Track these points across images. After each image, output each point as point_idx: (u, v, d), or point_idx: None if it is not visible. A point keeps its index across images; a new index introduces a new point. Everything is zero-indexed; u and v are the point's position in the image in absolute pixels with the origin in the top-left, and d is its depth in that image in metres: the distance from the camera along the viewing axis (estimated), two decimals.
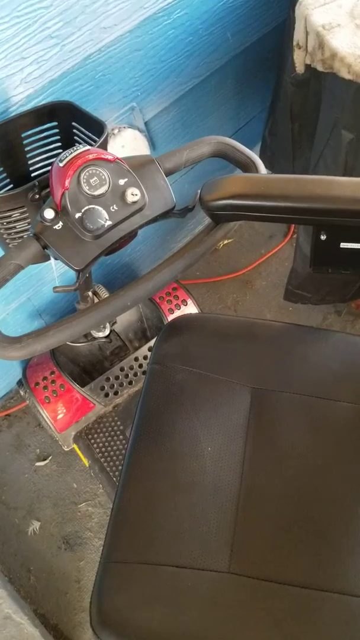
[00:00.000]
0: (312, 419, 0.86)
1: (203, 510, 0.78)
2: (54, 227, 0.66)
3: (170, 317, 1.45)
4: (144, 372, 1.40)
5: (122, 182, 0.67)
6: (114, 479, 1.30)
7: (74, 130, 0.91)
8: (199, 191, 0.69)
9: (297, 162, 1.39)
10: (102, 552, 0.78)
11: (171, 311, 1.46)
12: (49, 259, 0.72)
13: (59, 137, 0.94)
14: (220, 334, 0.96)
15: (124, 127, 1.16)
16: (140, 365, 1.41)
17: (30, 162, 0.94)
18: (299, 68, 1.12)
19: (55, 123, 0.91)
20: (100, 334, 1.32)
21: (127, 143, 1.17)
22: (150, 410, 0.88)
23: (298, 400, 0.88)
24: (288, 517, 0.78)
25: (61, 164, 0.65)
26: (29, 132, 0.89)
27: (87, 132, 0.89)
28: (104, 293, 1.21)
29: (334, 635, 0.68)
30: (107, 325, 1.31)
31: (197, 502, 0.79)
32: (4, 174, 0.92)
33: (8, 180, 0.93)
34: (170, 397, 0.89)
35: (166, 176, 0.72)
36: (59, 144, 0.94)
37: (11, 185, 0.94)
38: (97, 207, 0.65)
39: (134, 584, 0.73)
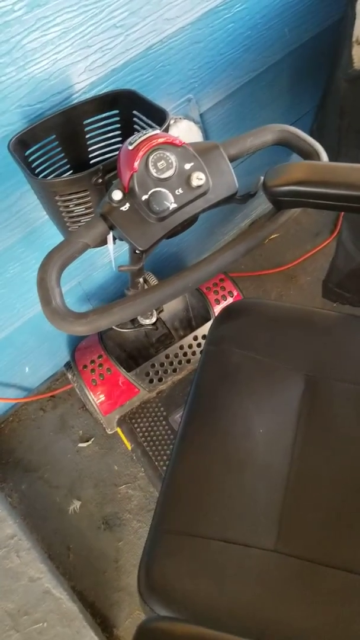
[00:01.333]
0: None
1: (253, 489, 0.80)
2: (121, 209, 0.69)
3: (217, 308, 1.47)
4: (188, 361, 1.42)
5: (187, 166, 0.69)
6: (156, 463, 1.32)
7: (134, 119, 0.94)
8: (262, 177, 0.70)
9: (342, 160, 1.38)
10: (152, 519, 0.80)
11: (217, 302, 1.48)
12: (106, 242, 0.75)
13: (119, 125, 0.96)
14: (276, 320, 0.97)
15: (180, 118, 1.18)
16: (185, 354, 1.43)
17: (90, 148, 0.96)
18: (358, 64, 1.12)
19: (116, 111, 0.93)
20: (147, 321, 1.34)
21: (182, 134, 1.19)
22: (205, 389, 0.90)
23: (353, 389, 0.88)
24: (336, 503, 0.79)
25: (131, 147, 0.68)
26: (91, 120, 0.92)
27: (147, 120, 0.91)
28: (153, 280, 1.23)
29: None
30: (154, 312, 1.33)
31: (247, 481, 0.81)
32: (65, 159, 0.95)
33: (68, 166, 0.96)
34: (225, 378, 0.90)
35: (230, 162, 0.74)
36: (119, 132, 0.97)
37: (71, 171, 0.97)
38: (163, 189, 0.67)
39: (183, 555, 0.76)
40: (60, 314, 0.65)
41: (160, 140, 0.67)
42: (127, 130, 0.96)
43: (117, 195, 0.68)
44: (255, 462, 0.82)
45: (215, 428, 0.86)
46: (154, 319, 1.35)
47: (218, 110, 1.28)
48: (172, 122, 1.16)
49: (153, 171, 0.67)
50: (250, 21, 1.15)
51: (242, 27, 1.14)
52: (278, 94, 1.44)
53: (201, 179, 0.69)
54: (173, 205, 0.68)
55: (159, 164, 0.67)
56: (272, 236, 1.84)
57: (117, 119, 0.95)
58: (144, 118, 0.92)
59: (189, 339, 1.44)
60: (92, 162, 0.99)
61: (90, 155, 0.98)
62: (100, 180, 0.83)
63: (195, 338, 1.44)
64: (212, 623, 0.70)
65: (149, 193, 0.67)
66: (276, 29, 1.23)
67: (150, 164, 0.67)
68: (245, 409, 0.86)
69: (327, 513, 0.78)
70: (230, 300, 1.49)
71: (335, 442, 0.84)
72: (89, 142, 0.96)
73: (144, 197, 0.67)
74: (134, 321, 1.34)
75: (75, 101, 0.92)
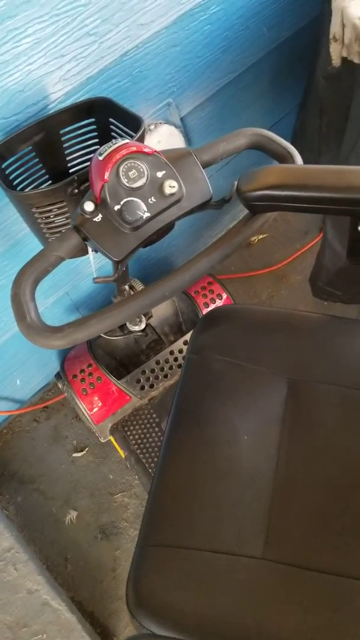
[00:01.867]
0: (349, 410, 0.86)
1: (239, 497, 0.79)
2: (94, 220, 0.68)
3: (206, 311, 1.46)
4: (179, 366, 1.41)
5: (160, 174, 0.68)
6: (150, 470, 1.32)
7: (111, 127, 0.93)
8: (236, 182, 0.69)
9: (322, 157, 1.38)
10: (138, 534, 0.80)
11: (206, 305, 1.47)
12: (86, 252, 0.74)
13: (96, 133, 0.95)
14: (257, 325, 0.96)
15: (161, 123, 1.17)
16: (176, 359, 1.42)
17: (68, 158, 0.96)
18: (336, 61, 1.12)
19: (93, 119, 0.93)
20: (137, 328, 1.33)
21: (164, 139, 1.18)
22: (188, 398, 0.89)
23: (335, 391, 0.88)
24: (323, 507, 0.78)
25: (101, 158, 0.67)
26: (68, 129, 0.91)
27: (124, 128, 0.91)
28: (139, 287, 1.22)
29: None
30: (143, 318, 1.32)
31: (232, 489, 0.80)
32: (43, 170, 0.94)
33: (47, 176, 0.96)
34: (208, 386, 0.90)
35: (203, 168, 0.73)
36: (97, 140, 0.96)
37: (50, 181, 0.97)
38: (135, 199, 0.67)
39: (170, 567, 0.75)
40: (35, 328, 0.65)
41: (131, 149, 0.67)
42: (105, 138, 0.95)
43: (89, 206, 0.68)
44: (241, 470, 0.81)
45: (199, 437, 0.85)
46: (143, 325, 1.34)
47: (199, 113, 1.27)
48: (152, 127, 1.15)
49: (124, 181, 0.67)
50: (227, 22, 1.14)
51: (219, 29, 1.14)
52: (260, 94, 1.43)
53: (174, 186, 0.68)
54: (146, 215, 0.67)
55: (130, 174, 0.67)
56: (261, 237, 1.84)
57: (94, 127, 0.94)
58: (120, 125, 0.91)
59: (179, 343, 1.43)
60: (71, 171, 0.98)
61: (70, 165, 0.98)
62: (76, 191, 0.83)
63: (186, 342, 1.44)
64: (202, 635, 0.69)
65: (121, 203, 0.67)
66: (254, 28, 1.22)
67: (121, 174, 0.67)
68: (229, 417, 0.85)
69: (314, 517, 0.77)
70: (219, 303, 1.48)
71: (319, 445, 0.84)
72: (67, 152, 0.95)
73: (117, 207, 0.67)
74: (123, 328, 1.34)
75: (51, 111, 0.92)
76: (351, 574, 0.72)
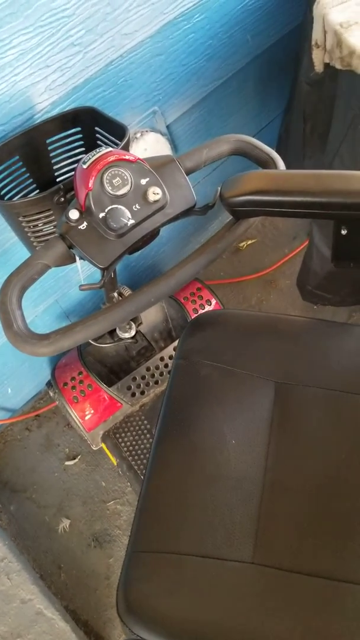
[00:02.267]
0: (337, 413, 0.87)
1: (227, 502, 0.79)
2: (79, 227, 0.69)
3: None
4: (169, 372, 1.41)
5: (143, 181, 0.69)
6: (142, 477, 1.32)
7: (97, 135, 0.94)
8: (219, 188, 0.70)
9: (307, 162, 1.40)
10: (128, 541, 0.80)
11: (196, 311, 1.47)
12: (74, 260, 0.75)
13: (82, 142, 0.96)
14: (244, 330, 0.97)
15: (147, 131, 1.18)
16: (166, 365, 1.43)
17: (55, 167, 0.97)
18: (318, 67, 1.13)
19: (79, 128, 0.94)
20: (126, 335, 1.34)
21: (150, 146, 1.19)
22: (176, 404, 0.90)
23: (322, 394, 0.88)
24: (311, 510, 0.79)
25: (84, 166, 0.68)
26: (54, 138, 0.92)
27: (109, 136, 0.91)
28: (128, 294, 1.23)
29: (357, 625, 0.69)
30: (133, 325, 1.33)
31: (221, 494, 0.80)
32: (31, 179, 0.95)
33: (34, 185, 0.96)
34: (195, 391, 0.90)
35: (187, 175, 0.74)
36: (83, 148, 0.97)
37: (37, 190, 0.97)
38: (120, 206, 0.68)
39: (160, 573, 0.75)
40: (22, 336, 0.65)
41: (114, 157, 0.68)
42: (91, 147, 0.96)
43: (74, 214, 0.68)
44: (229, 475, 0.81)
45: (187, 443, 0.85)
46: (133, 332, 1.35)
47: (185, 121, 1.28)
48: (138, 135, 1.16)
49: (109, 188, 0.67)
50: (210, 30, 1.15)
51: (203, 37, 1.15)
52: (245, 100, 1.45)
53: (158, 193, 0.69)
54: (131, 222, 0.68)
55: (114, 181, 0.68)
56: (250, 242, 1.85)
57: (80, 136, 0.95)
58: (105, 134, 0.92)
59: (169, 350, 1.44)
60: (58, 180, 0.99)
61: (57, 174, 0.98)
62: (62, 199, 0.83)
63: (176, 349, 1.44)
64: None
65: (106, 210, 0.67)
66: (238, 36, 1.23)
67: (105, 182, 0.67)
68: (216, 421, 0.86)
69: (303, 521, 0.78)
70: (208, 308, 1.49)
71: (307, 447, 0.84)
72: (53, 161, 0.96)
73: (101, 215, 0.67)
74: (113, 335, 1.34)
75: (38, 121, 0.92)
76: (340, 576, 0.73)
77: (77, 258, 0.74)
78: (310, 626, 0.69)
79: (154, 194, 0.69)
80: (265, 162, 0.74)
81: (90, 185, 0.67)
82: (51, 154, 0.94)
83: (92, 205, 0.67)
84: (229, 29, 1.20)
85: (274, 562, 0.74)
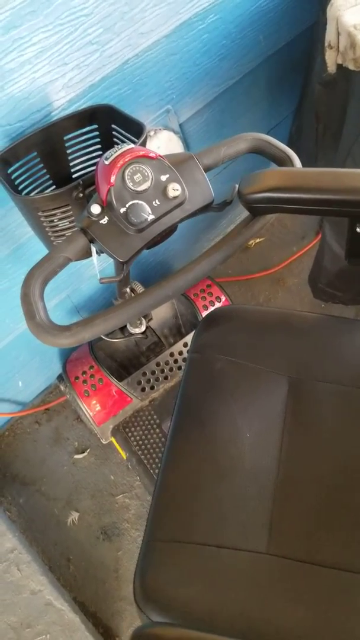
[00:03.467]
0: (349, 408, 0.88)
1: (242, 493, 0.81)
2: (100, 222, 0.70)
3: (205, 314, 1.48)
4: (179, 368, 1.43)
5: (163, 178, 0.70)
6: (151, 471, 1.33)
7: (114, 133, 0.95)
8: (237, 185, 0.72)
9: (319, 163, 1.41)
10: (145, 531, 0.81)
11: (205, 307, 1.49)
12: (90, 255, 0.76)
13: (98, 140, 0.97)
14: (257, 325, 0.98)
15: (160, 129, 1.19)
16: (176, 361, 1.44)
17: (71, 163, 0.98)
18: (331, 68, 1.14)
19: (95, 126, 0.95)
20: (137, 330, 1.35)
21: (163, 144, 1.20)
22: (190, 397, 0.91)
23: (335, 389, 0.89)
24: (324, 502, 0.80)
25: (107, 162, 0.69)
26: (71, 135, 0.93)
27: (126, 134, 0.93)
28: (139, 289, 1.24)
29: None
30: (144, 321, 1.34)
31: (236, 486, 0.82)
32: (47, 175, 0.96)
33: (51, 181, 0.98)
34: (209, 385, 0.92)
35: (205, 172, 0.75)
36: (99, 146, 0.98)
37: (54, 186, 0.99)
38: (140, 202, 0.69)
39: (176, 562, 0.76)
40: (44, 327, 0.66)
41: (136, 154, 0.69)
42: (107, 144, 0.97)
43: (95, 209, 0.70)
44: (244, 467, 0.83)
45: (202, 435, 0.87)
46: (143, 328, 1.36)
47: (197, 120, 1.30)
48: (152, 133, 1.18)
49: (130, 184, 0.69)
50: (224, 31, 1.17)
51: (217, 37, 1.16)
52: (256, 100, 1.46)
53: (177, 189, 0.70)
54: (151, 217, 0.69)
55: (135, 177, 0.69)
56: (258, 240, 1.86)
57: (97, 133, 0.96)
58: (122, 131, 0.93)
59: (179, 345, 1.45)
60: (74, 176, 1.00)
61: (73, 170, 0.99)
62: (81, 195, 0.85)
63: (185, 345, 1.46)
64: (208, 627, 0.71)
65: (127, 206, 0.69)
66: (251, 37, 1.25)
67: (126, 178, 0.69)
68: (231, 415, 0.87)
69: (316, 513, 0.79)
70: (218, 305, 1.50)
71: (320, 441, 0.86)
72: (70, 157, 0.97)
73: (122, 210, 0.69)
74: (123, 330, 1.36)
75: (55, 118, 0.94)
76: (353, 568, 0.74)
77: (94, 252, 0.75)
78: (323, 617, 0.70)
79: (174, 190, 0.70)
80: (282, 160, 0.75)
81: (112, 180, 0.68)
82: (68, 151, 0.95)
83: (114, 201, 0.68)
84: (243, 30, 1.21)
85: (288, 553, 0.75)
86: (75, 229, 0.72)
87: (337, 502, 0.80)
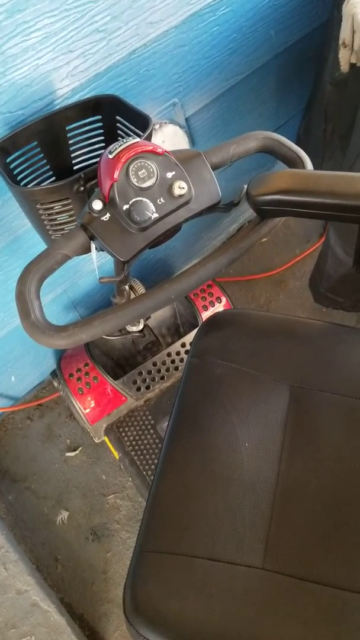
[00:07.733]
0: (352, 420, 0.85)
1: (239, 505, 0.78)
2: (102, 219, 0.67)
3: (204, 314, 1.46)
4: (176, 368, 1.41)
5: (169, 175, 0.67)
6: (144, 472, 1.31)
7: (117, 125, 0.92)
8: (246, 186, 0.69)
9: (326, 164, 1.38)
10: (136, 540, 0.79)
11: (205, 308, 1.46)
12: (89, 250, 0.73)
13: (102, 131, 0.95)
14: (260, 331, 0.96)
15: (165, 123, 1.16)
16: (173, 361, 1.41)
17: (73, 155, 0.95)
18: (344, 67, 1.11)
19: (99, 117, 0.92)
20: (134, 328, 1.33)
21: (168, 138, 1.18)
22: (188, 402, 0.88)
23: (337, 400, 0.87)
24: (324, 518, 0.78)
25: (111, 156, 0.66)
26: (73, 125, 0.91)
27: (130, 126, 0.90)
28: (139, 287, 1.22)
29: None
30: (141, 319, 1.32)
31: (233, 497, 0.79)
32: (48, 166, 0.93)
33: (51, 172, 0.95)
34: (208, 391, 0.89)
35: (213, 170, 0.72)
36: (102, 137, 0.96)
37: (54, 178, 0.96)
38: (144, 199, 0.66)
39: (168, 574, 0.74)
40: (40, 327, 0.64)
41: (141, 148, 0.66)
42: (111, 136, 0.95)
43: (97, 205, 0.67)
44: (241, 478, 0.80)
45: (199, 443, 0.84)
46: (141, 326, 1.34)
47: (204, 114, 1.27)
48: (157, 126, 1.15)
49: (134, 180, 0.66)
50: (235, 24, 1.14)
51: (228, 30, 1.13)
52: (265, 97, 1.43)
53: (183, 188, 0.67)
54: (155, 215, 0.67)
55: (139, 173, 0.66)
56: (261, 241, 1.83)
57: (100, 124, 0.94)
58: (127, 124, 0.91)
59: (176, 346, 1.43)
60: (75, 168, 0.97)
61: (74, 162, 0.97)
62: (82, 188, 0.82)
63: (183, 345, 1.43)
64: None
65: (130, 203, 0.66)
66: (262, 31, 1.22)
67: (131, 173, 0.66)
68: (230, 423, 0.85)
69: (315, 528, 0.76)
70: (218, 306, 1.47)
71: (321, 454, 0.83)
72: (72, 149, 0.94)
73: (125, 207, 0.66)
74: (120, 328, 1.33)
75: (58, 107, 0.91)
76: (351, 587, 0.72)
77: (93, 249, 0.72)
78: (320, 634, 0.68)
79: (180, 188, 0.67)
80: (293, 161, 0.72)
81: (115, 176, 0.65)
82: (70, 142, 0.93)
83: (117, 197, 0.65)
84: (254, 24, 1.18)
85: (284, 569, 0.73)
86: (75, 224, 0.69)
87: (336, 518, 0.78)
